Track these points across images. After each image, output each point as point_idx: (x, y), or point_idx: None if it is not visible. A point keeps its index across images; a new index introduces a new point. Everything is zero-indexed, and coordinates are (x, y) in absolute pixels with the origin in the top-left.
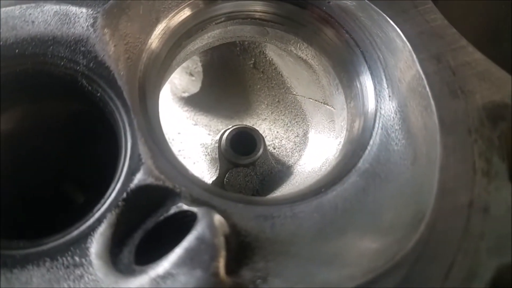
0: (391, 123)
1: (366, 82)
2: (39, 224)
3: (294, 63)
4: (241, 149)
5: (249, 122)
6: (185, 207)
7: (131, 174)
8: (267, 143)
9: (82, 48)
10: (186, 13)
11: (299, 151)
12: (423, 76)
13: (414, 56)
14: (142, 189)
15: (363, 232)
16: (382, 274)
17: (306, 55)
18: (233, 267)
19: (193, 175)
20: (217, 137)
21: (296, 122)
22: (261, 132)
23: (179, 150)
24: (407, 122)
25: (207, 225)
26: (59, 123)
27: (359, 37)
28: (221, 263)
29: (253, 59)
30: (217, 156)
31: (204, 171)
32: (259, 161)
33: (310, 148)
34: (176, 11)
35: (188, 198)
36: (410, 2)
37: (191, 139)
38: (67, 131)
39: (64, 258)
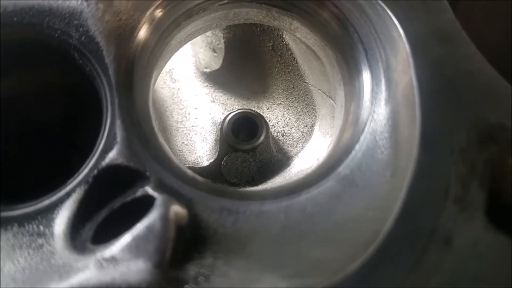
0: (381, 129)
1: (365, 82)
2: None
3: (306, 51)
4: (242, 134)
5: (265, 104)
6: (150, 191)
7: (104, 152)
8: (278, 129)
9: (75, 22)
10: None
11: (303, 143)
12: (415, 83)
13: (411, 60)
14: (113, 168)
15: (321, 241)
16: None
17: (312, 44)
18: (180, 259)
19: (169, 160)
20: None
21: (307, 111)
22: (274, 117)
23: (192, 126)
24: (396, 131)
25: (160, 215)
26: (52, 92)
27: (363, 33)
28: (166, 256)
29: (272, 42)
30: (219, 137)
31: (207, 150)
32: (259, 148)
33: (312, 142)
34: None
35: (155, 183)
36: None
37: (206, 115)
38: (60, 101)
39: (31, 226)
